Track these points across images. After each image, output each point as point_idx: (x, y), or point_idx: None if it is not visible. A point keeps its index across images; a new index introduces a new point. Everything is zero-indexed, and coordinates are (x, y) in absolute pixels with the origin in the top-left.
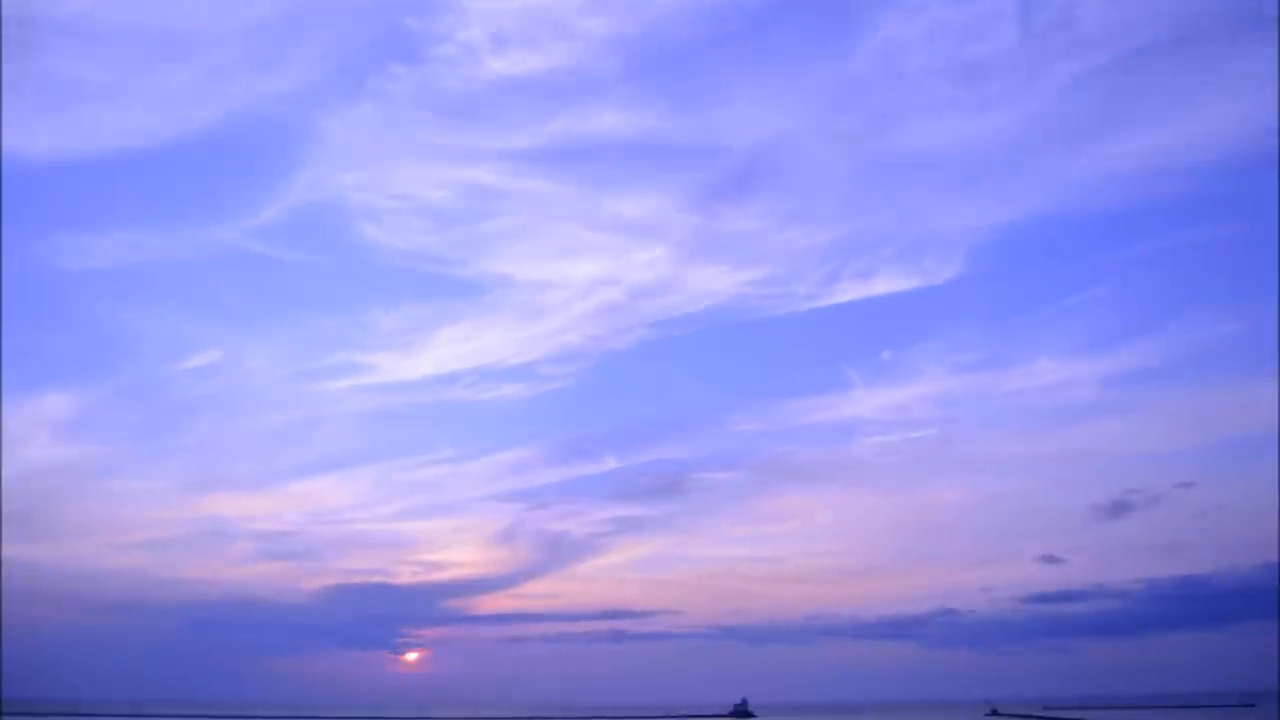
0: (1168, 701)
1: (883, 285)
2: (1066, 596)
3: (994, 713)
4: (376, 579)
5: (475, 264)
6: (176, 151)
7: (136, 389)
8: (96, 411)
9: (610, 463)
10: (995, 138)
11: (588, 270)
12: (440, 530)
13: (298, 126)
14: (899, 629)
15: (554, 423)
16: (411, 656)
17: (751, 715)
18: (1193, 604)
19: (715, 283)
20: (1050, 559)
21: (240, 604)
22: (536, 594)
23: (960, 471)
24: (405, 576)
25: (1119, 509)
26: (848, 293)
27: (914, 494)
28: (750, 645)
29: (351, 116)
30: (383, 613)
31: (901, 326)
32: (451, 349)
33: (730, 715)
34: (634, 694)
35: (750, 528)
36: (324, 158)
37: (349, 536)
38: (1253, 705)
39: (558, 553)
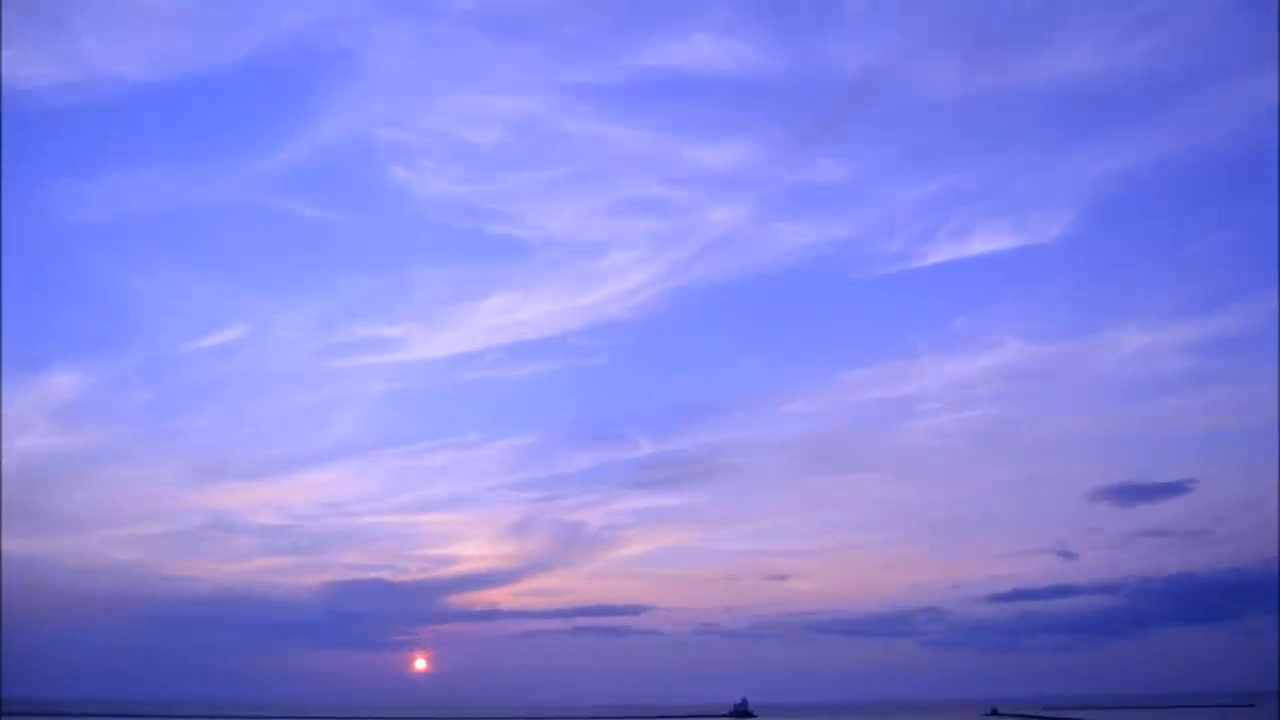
0: (1168, 701)
1: (979, 244)
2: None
3: (994, 713)
4: (384, 575)
5: (520, 219)
6: (192, 85)
7: (150, 368)
8: (104, 394)
9: (643, 446)
10: (1139, 69)
11: (654, 229)
12: (451, 523)
13: (328, 52)
14: (906, 626)
15: (584, 403)
16: (415, 655)
17: (751, 715)
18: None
19: (795, 240)
20: (1065, 553)
21: (240, 601)
22: (545, 590)
23: (1015, 455)
24: (412, 572)
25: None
26: (940, 253)
27: (963, 480)
28: (758, 643)
29: (389, 38)
30: (386, 610)
31: (984, 290)
32: (483, 322)
33: (730, 715)
34: (637, 693)
35: (782, 519)
36: (355, 89)
37: (356, 530)
38: (1253, 705)
39: (572, 546)
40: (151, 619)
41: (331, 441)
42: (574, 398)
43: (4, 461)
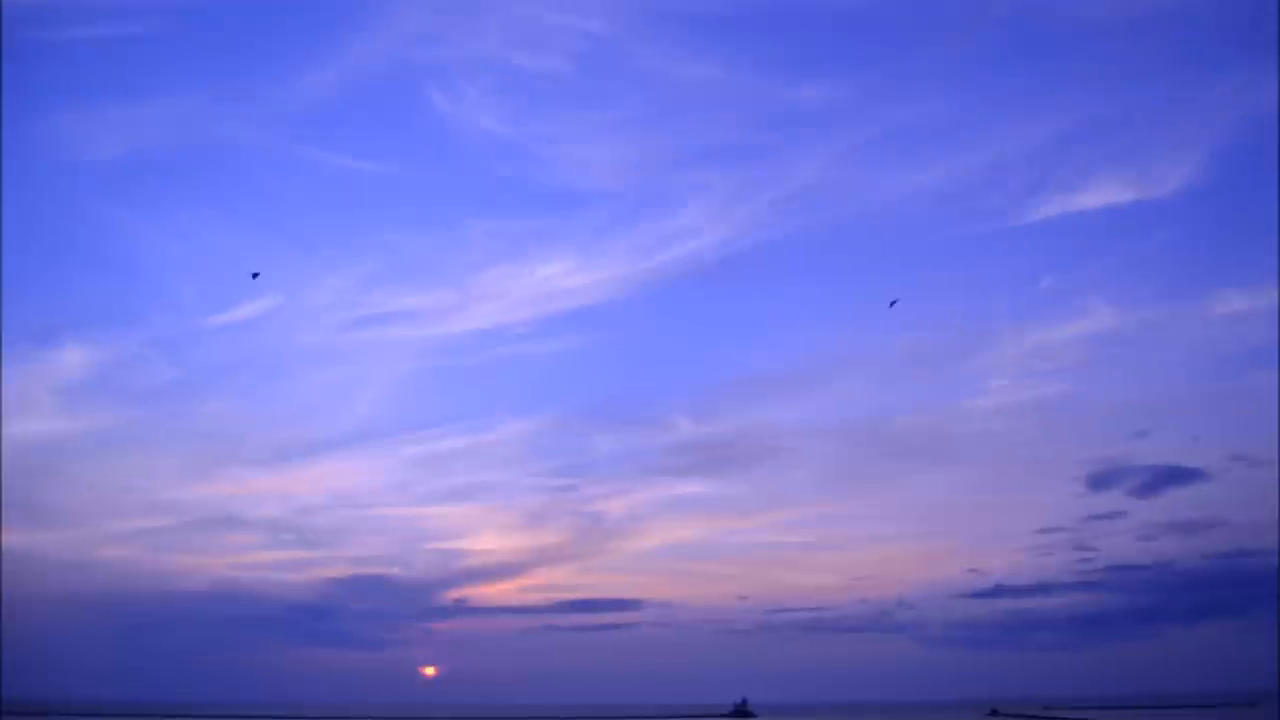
0: (1169, 701)
1: (1092, 198)
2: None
3: (994, 713)
4: (392, 570)
5: (579, 166)
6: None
7: (168, 344)
8: (114, 372)
9: (678, 428)
10: None
11: (730, 178)
12: (465, 515)
13: None
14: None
15: (619, 379)
16: (417, 655)
17: (752, 715)
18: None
19: (885, 190)
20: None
21: (238, 598)
22: (553, 585)
23: (1078, 439)
24: (420, 568)
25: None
26: (1048, 207)
27: (1020, 466)
28: (763, 641)
29: None
30: (390, 608)
31: (1079, 247)
32: (528, 291)
33: (730, 715)
34: (639, 692)
35: (819, 509)
36: (394, 7)
37: (366, 522)
38: (1255, 705)
39: (588, 539)
40: (146, 617)
41: (348, 427)
42: (608, 374)
43: (4, 449)
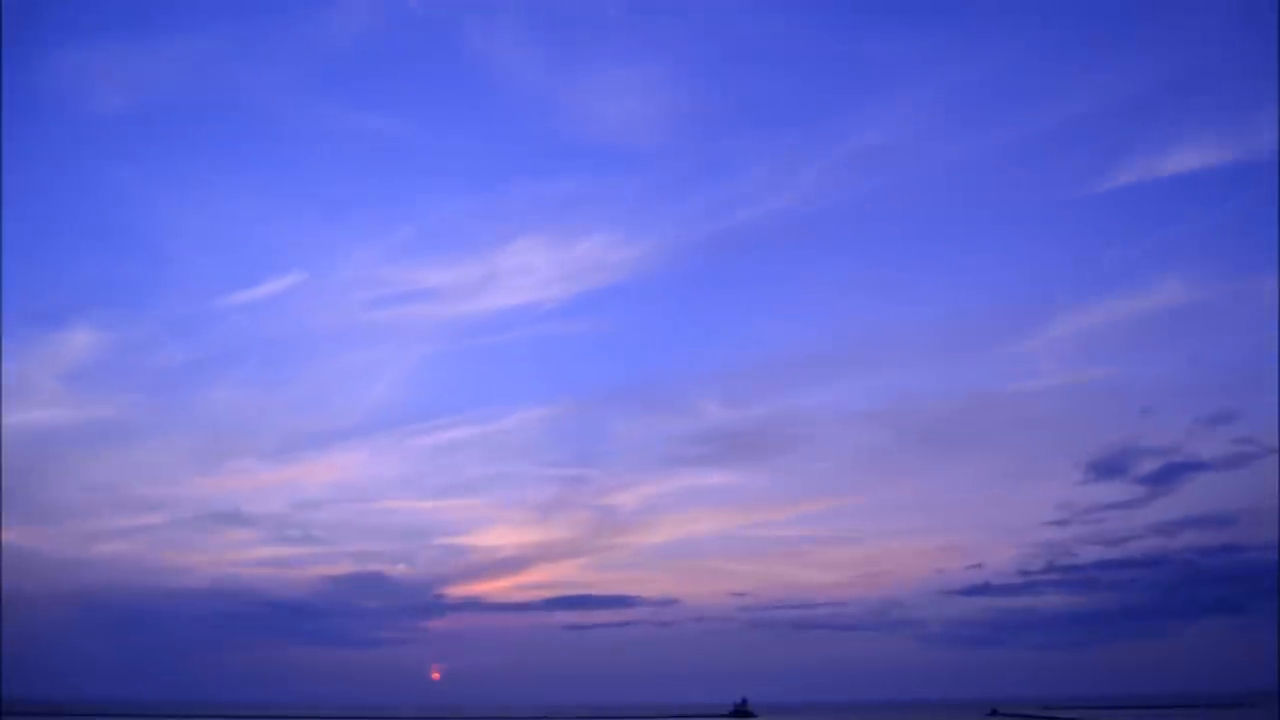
0: (1168, 701)
1: (1179, 160)
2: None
3: (994, 713)
4: (397, 568)
5: (614, 123)
6: None
7: (179, 326)
8: (122, 356)
9: (704, 414)
10: None
11: (791, 139)
12: (474, 509)
13: None
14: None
15: (645, 360)
16: (419, 652)
17: (751, 715)
18: None
19: (949, 154)
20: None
21: (241, 595)
22: (558, 582)
23: (1127, 422)
24: (425, 564)
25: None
26: (1126, 173)
27: (1060, 453)
28: (767, 640)
29: None
30: (393, 605)
31: (1153, 217)
32: (553, 258)
33: (730, 715)
34: (640, 691)
35: (846, 501)
36: None
37: (371, 516)
38: (1254, 705)
39: (598, 534)
40: (144, 616)
41: (358, 417)
42: (634, 355)
43: (3, 441)
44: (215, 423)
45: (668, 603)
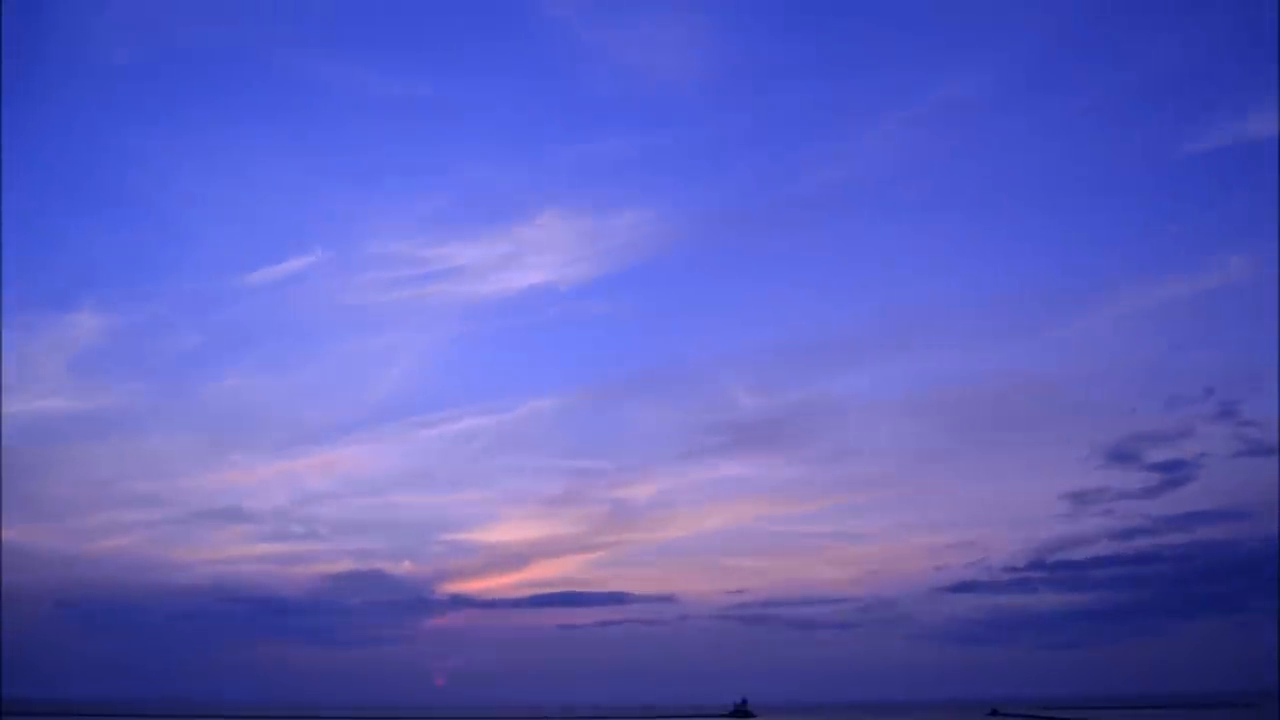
0: (1168, 701)
1: (1260, 125)
2: None
3: (994, 713)
4: (402, 564)
5: (662, 78)
6: None
7: (193, 306)
8: (132, 340)
9: (734, 400)
10: None
11: (854, 95)
12: (482, 503)
13: None
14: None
15: (670, 343)
16: (418, 650)
17: (751, 715)
18: None
19: (1022, 116)
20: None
21: (241, 594)
22: (562, 579)
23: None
24: (429, 560)
25: None
26: (1207, 138)
27: (1085, 445)
28: (771, 638)
29: None
30: (394, 603)
31: (1229, 186)
32: (583, 229)
33: (730, 715)
34: (639, 691)
35: (881, 494)
36: None
37: (377, 511)
38: (1254, 705)
39: (608, 530)
40: (141, 614)
41: (370, 407)
42: (660, 337)
43: (3, 432)
44: (221, 414)
45: (666, 601)
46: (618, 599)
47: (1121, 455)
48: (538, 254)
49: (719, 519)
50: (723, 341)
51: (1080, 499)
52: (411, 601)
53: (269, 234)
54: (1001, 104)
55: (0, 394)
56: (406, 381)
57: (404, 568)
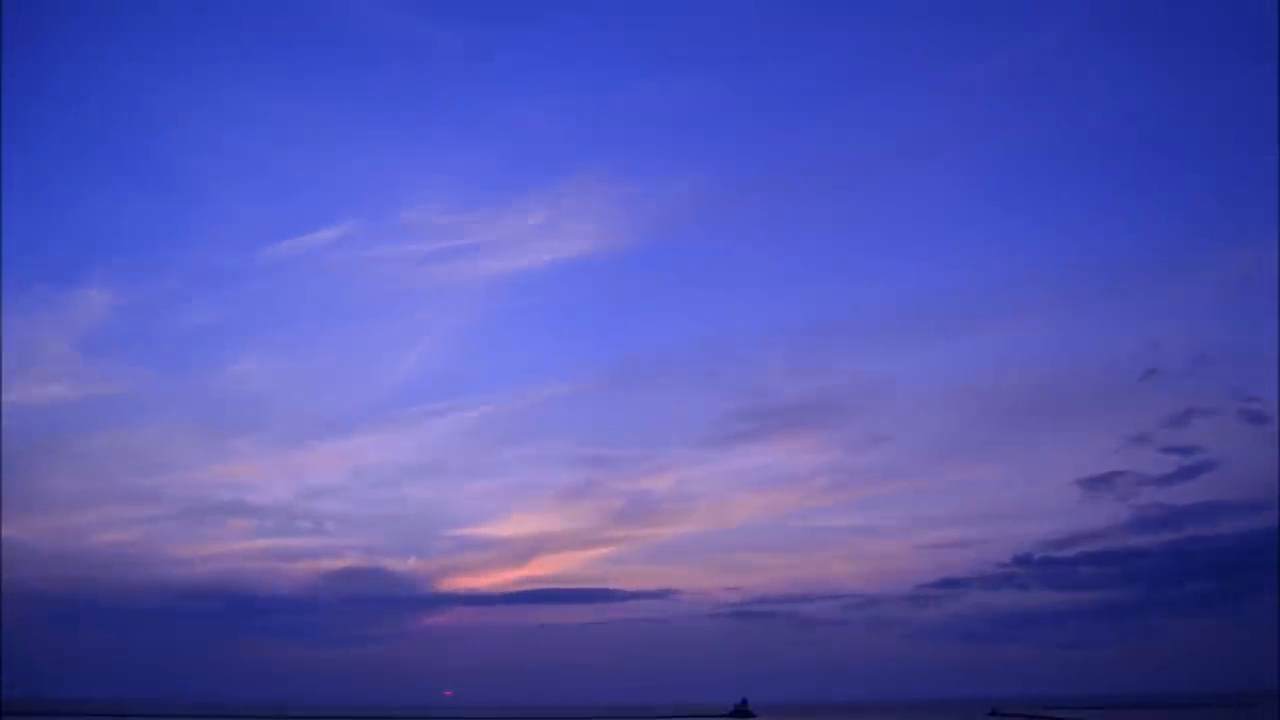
0: (1168, 701)
1: None
2: None
3: (994, 713)
4: (407, 561)
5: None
6: None
7: (207, 282)
8: (141, 318)
9: (764, 380)
10: None
11: (933, 43)
12: (492, 497)
13: None
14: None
15: (697, 320)
16: (419, 648)
17: (751, 715)
18: None
19: (1104, 79)
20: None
21: (241, 592)
22: (566, 575)
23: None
24: (434, 556)
25: None
26: None
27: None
28: (774, 637)
29: None
30: (398, 601)
31: None
32: (623, 194)
33: (730, 715)
34: (639, 690)
35: (911, 483)
36: None
37: (385, 506)
38: (1253, 705)
39: (620, 525)
40: (138, 612)
41: (389, 391)
42: (686, 314)
43: (2, 422)
44: (230, 402)
45: (669, 598)
46: (619, 596)
47: (1141, 443)
48: (575, 223)
49: (740, 513)
50: (757, 318)
51: (1093, 490)
52: (414, 599)
53: (296, 199)
54: (1073, 64)
55: (0, 381)
56: (425, 366)
57: (409, 564)
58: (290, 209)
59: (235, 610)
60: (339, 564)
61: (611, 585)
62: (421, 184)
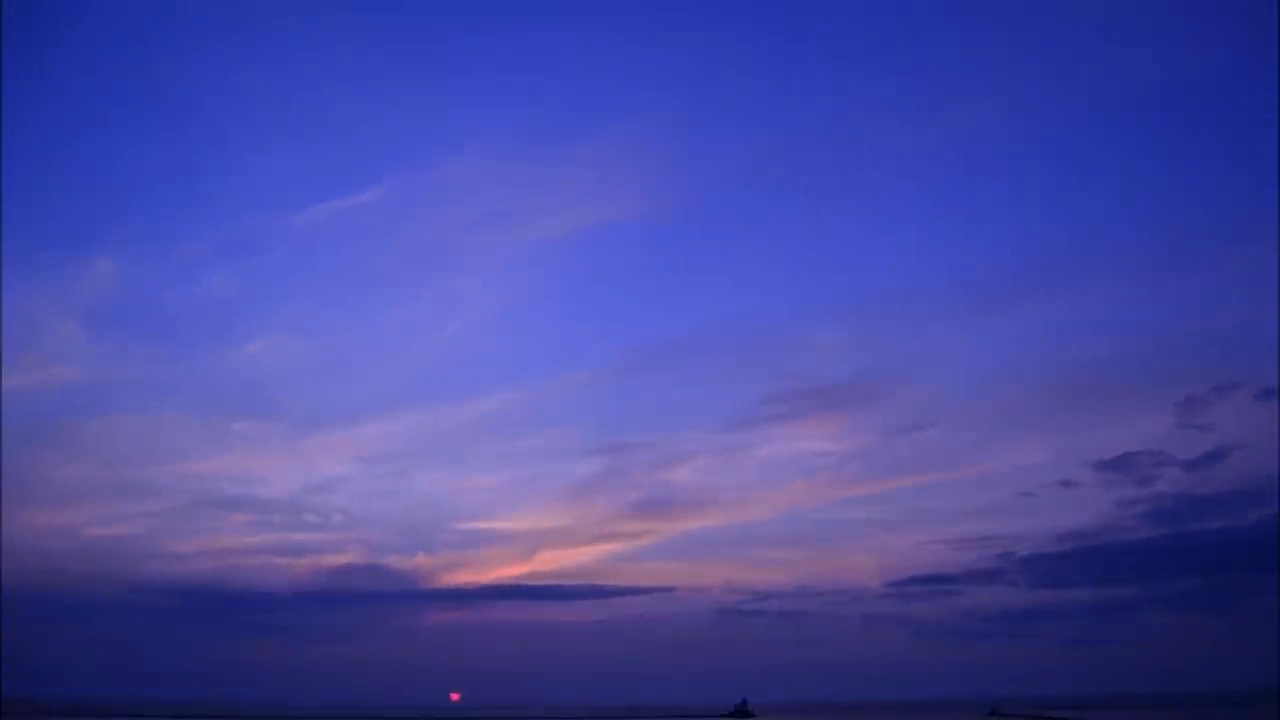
0: (1168, 701)
1: None
2: None
3: (994, 713)
4: (415, 556)
5: None
6: None
7: (231, 247)
8: (153, 289)
9: (799, 361)
10: None
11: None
12: (505, 489)
13: None
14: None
15: (740, 291)
16: (419, 647)
17: (751, 715)
18: None
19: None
20: None
21: (241, 589)
22: (568, 572)
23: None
24: (441, 551)
25: None
26: None
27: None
28: (775, 637)
29: None
30: (400, 597)
31: None
32: (648, 152)
33: (730, 715)
34: (639, 690)
35: (951, 473)
36: None
37: (393, 499)
38: (1253, 705)
39: (636, 517)
40: (136, 609)
41: (404, 379)
42: (721, 286)
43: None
44: (238, 386)
45: (668, 594)
46: (613, 592)
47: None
48: (620, 185)
49: (763, 507)
50: (795, 292)
51: (1116, 471)
52: (418, 595)
53: (330, 160)
54: (1126, 18)
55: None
56: (449, 351)
57: (416, 560)
58: (322, 167)
59: (236, 608)
60: (343, 559)
61: (612, 582)
62: (467, 136)
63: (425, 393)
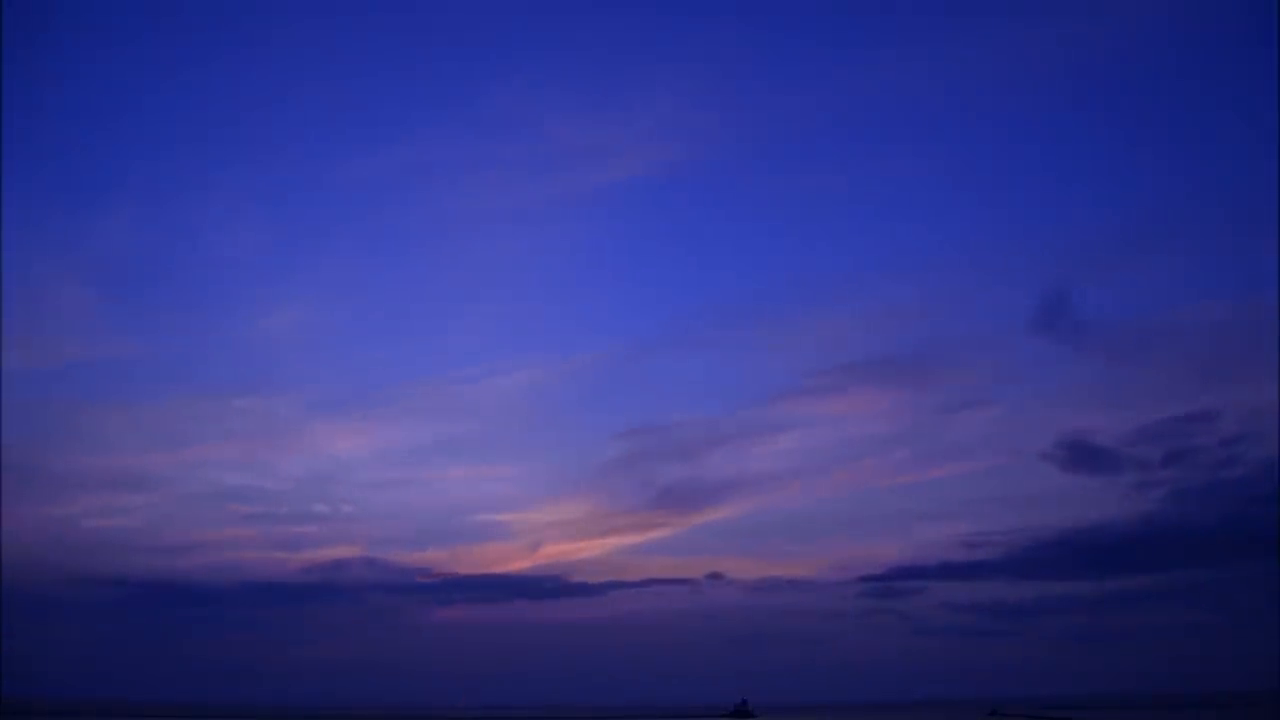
0: (1168, 701)
1: None
2: None
3: (994, 713)
4: (426, 551)
5: None
6: None
7: (260, 200)
8: (169, 251)
9: (842, 329)
10: None
11: None
12: (519, 479)
13: None
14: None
15: (795, 251)
16: (419, 646)
17: (751, 715)
18: None
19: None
20: None
21: (239, 584)
22: (571, 569)
23: None
24: (449, 545)
25: None
26: None
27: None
28: (777, 636)
29: None
30: (400, 595)
31: None
32: (699, 101)
33: (730, 715)
34: (638, 690)
35: (980, 463)
36: None
37: (403, 490)
38: (1253, 705)
39: (643, 513)
40: (133, 607)
41: (428, 355)
42: (763, 250)
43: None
44: (252, 365)
45: (672, 592)
46: (587, 590)
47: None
48: (674, 131)
49: (788, 497)
50: (856, 243)
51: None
52: (422, 591)
53: (373, 110)
54: None
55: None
56: (456, 341)
57: (427, 555)
58: (364, 116)
59: (236, 607)
60: (350, 552)
61: (611, 581)
62: (515, 78)
63: (445, 372)
